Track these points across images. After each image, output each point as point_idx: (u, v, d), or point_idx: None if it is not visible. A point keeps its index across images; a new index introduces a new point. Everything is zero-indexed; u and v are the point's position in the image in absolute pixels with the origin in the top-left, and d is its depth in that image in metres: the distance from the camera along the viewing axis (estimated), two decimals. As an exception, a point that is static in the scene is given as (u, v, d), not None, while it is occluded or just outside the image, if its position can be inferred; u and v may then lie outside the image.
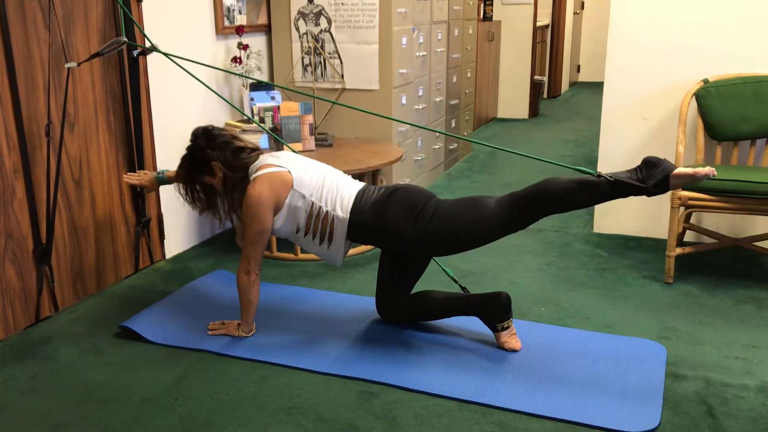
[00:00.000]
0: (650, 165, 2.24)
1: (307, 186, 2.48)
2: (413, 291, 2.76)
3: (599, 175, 2.28)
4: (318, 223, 2.48)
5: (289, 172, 2.48)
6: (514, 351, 2.49)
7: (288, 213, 2.49)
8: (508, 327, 2.50)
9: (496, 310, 2.49)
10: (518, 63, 7.52)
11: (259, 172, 2.48)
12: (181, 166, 2.64)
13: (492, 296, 2.51)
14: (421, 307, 2.63)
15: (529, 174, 5.12)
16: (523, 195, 2.34)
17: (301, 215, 2.49)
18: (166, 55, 2.60)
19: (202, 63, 2.87)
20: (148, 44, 2.79)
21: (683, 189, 3.03)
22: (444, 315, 2.62)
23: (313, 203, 2.47)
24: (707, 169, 2.21)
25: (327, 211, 2.47)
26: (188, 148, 2.62)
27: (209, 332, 2.63)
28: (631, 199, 3.69)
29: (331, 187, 2.50)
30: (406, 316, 2.67)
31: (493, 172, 5.17)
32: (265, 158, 2.57)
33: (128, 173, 2.93)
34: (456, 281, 2.76)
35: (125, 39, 2.45)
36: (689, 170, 2.22)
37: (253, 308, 2.58)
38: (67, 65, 2.56)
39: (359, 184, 2.56)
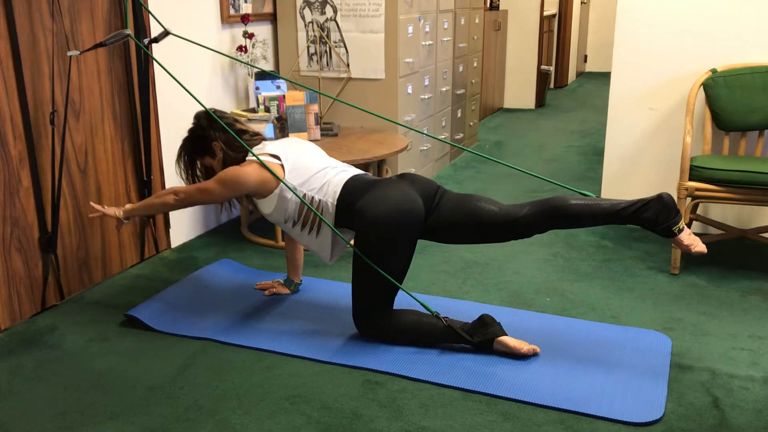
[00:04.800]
0: (483, 323, 2.39)
1: (298, 176, 2.50)
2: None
3: (437, 317, 2.43)
4: (310, 212, 2.50)
5: (282, 165, 2.51)
6: (703, 253, 2.28)
7: (278, 202, 2.51)
8: (683, 228, 2.26)
9: (661, 213, 2.23)
10: (525, 53, 7.49)
11: (253, 157, 2.52)
12: (182, 147, 2.67)
13: (652, 200, 2.24)
14: (562, 217, 2.33)
15: (534, 165, 5.11)
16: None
17: (291, 206, 2.50)
18: (180, 37, 2.60)
19: (212, 49, 2.86)
20: (160, 30, 2.78)
21: (690, 179, 3.02)
22: (594, 224, 2.34)
23: (304, 194, 2.49)
24: (531, 347, 2.36)
25: (319, 200, 2.48)
26: (190, 130, 2.67)
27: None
28: (638, 190, 3.67)
29: (323, 175, 2.52)
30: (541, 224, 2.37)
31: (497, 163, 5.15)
32: (264, 146, 2.59)
33: (261, 283, 2.97)
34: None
35: (129, 32, 2.46)
36: (514, 344, 2.36)
37: (147, 212, 2.71)
38: (69, 53, 2.56)
39: (353, 171, 2.56)
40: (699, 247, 2.28)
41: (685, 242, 2.27)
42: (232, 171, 2.50)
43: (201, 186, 2.55)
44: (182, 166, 2.68)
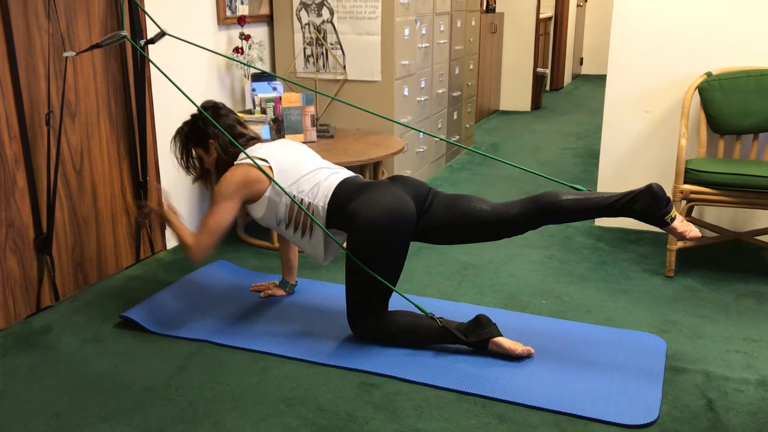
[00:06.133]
0: (479, 324, 2.40)
1: (288, 178, 2.50)
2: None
3: (432, 318, 2.43)
4: (300, 214, 2.49)
5: (270, 167, 2.50)
6: (698, 238, 2.28)
7: (268, 204, 2.51)
8: (675, 216, 2.26)
9: (652, 204, 2.24)
10: (521, 55, 7.50)
11: (243, 161, 2.52)
12: (179, 131, 2.67)
13: (641, 191, 2.24)
14: (553, 213, 2.34)
15: (529, 167, 5.11)
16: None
17: (282, 208, 2.50)
18: (177, 38, 2.60)
19: (209, 49, 2.86)
20: (156, 31, 2.77)
21: (685, 182, 3.03)
22: (586, 218, 2.35)
23: (294, 195, 2.48)
24: (525, 349, 2.37)
25: (309, 203, 2.48)
26: (193, 116, 2.66)
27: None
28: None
29: (313, 177, 2.52)
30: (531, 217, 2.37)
31: (493, 164, 5.16)
32: (256, 149, 2.59)
33: (256, 285, 2.96)
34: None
35: (124, 33, 2.46)
36: (509, 345, 2.37)
37: (172, 231, 2.57)
38: (65, 54, 2.56)
39: (344, 174, 2.57)
40: (693, 232, 2.30)
41: (679, 230, 2.28)
42: (221, 183, 2.49)
43: (209, 223, 2.46)
44: (177, 146, 2.68)
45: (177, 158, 2.70)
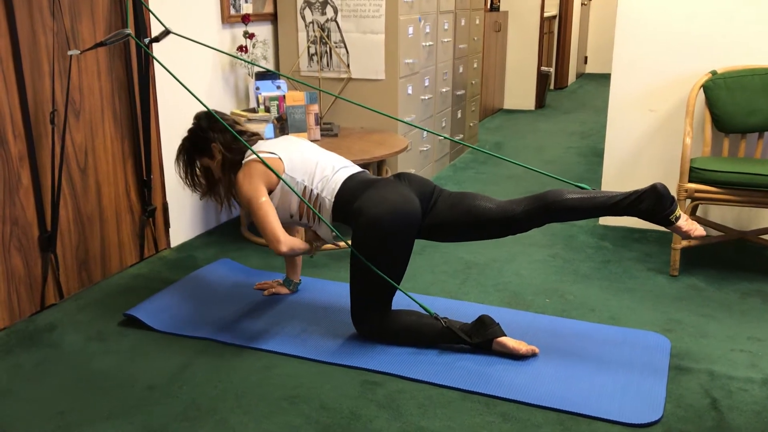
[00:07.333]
0: (482, 324, 2.40)
1: (299, 170, 2.51)
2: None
3: (436, 318, 2.44)
4: (308, 208, 2.50)
5: (280, 158, 2.51)
6: (702, 236, 2.30)
7: (281, 196, 2.51)
8: (680, 215, 2.27)
9: (657, 203, 2.23)
10: (525, 54, 7.49)
11: (251, 157, 2.52)
12: (181, 147, 2.68)
13: (646, 191, 2.24)
14: (558, 211, 2.35)
15: (533, 166, 5.10)
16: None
17: (294, 199, 2.50)
18: (181, 36, 2.60)
19: (214, 48, 2.86)
20: (160, 29, 2.77)
21: (689, 181, 3.02)
22: (591, 216, 2.36)
23: (305, 187, 2.49)
24: (529, 348, 2.37)
25: (317, 194, 2.49)
26: (189, 130, 2.67)
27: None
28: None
29: (321, 170, 2.52)
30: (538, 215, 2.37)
31: (498, 164, 5.15)
32: (260, 144, 2.60)
33: (260, 283, 2.96)
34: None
35: (129, 31, 2.46)
36: (513, 344, 2.37)
37: (301, 250, 2.48)
38: (69, 53, 2.56)
39: (351, 169, 2.57)
40: (698, 231, 2.30)
41: (684, 228, 2.29)
42: (240, 184, 2.47)
43: (256, 219, 2.44)
44: (181, 166, 2.69)
45: (182, 177, 2.69)
